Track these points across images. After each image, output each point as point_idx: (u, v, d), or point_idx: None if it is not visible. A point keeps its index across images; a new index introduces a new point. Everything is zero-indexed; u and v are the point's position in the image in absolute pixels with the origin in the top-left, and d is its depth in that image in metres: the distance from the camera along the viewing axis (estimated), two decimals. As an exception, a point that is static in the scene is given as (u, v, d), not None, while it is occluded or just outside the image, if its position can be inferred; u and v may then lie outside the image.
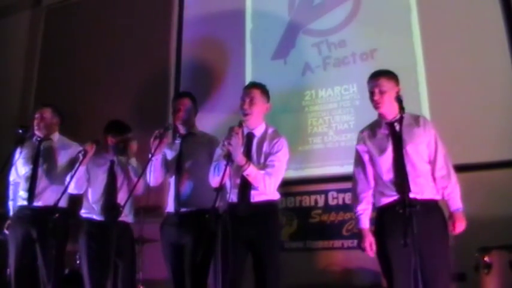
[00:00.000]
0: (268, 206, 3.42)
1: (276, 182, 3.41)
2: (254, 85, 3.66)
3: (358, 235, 3.29)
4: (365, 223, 3.25)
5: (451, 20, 4.85)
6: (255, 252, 3.36)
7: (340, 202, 4.91)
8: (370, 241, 3.18)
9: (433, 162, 3.17)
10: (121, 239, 3.88)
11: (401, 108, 2.98)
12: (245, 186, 3.38)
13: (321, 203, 5.02)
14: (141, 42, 6.43)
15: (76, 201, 4.33)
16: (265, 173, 3.36)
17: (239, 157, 3.25)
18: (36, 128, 4.41)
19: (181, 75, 6.11)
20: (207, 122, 4.88)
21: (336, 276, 4.72)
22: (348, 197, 4.72)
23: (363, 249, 3.22)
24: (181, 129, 3.99)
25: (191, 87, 5.63)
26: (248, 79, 5.56)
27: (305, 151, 5.18)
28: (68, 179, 4.00)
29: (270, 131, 3.59)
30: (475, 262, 3.54)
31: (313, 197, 5.06)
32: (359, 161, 3.36)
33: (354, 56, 5.21)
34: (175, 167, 3.87)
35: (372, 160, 3.29)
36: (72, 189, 4.07)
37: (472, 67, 4.65)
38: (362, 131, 3.40)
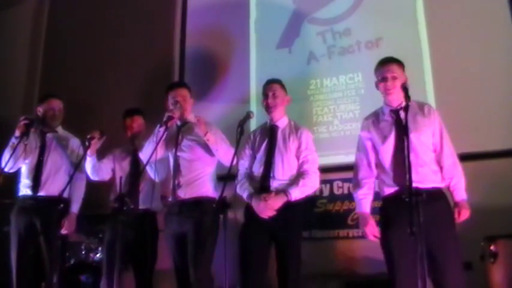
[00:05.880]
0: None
1: (317, 173, 3.63)
2: (273, 80, 3.83)
3: (361, 220, 3.27)
4: (366, 207, 3.25)
5: (457, 7, 4.82)
6: (278, 242, 3.49)
7: (346, 191, 4.89)
8: (372, 225, 3.19)
9: (439, 152, 3.15)
10: (138, 228, 4.02)
11: (407, 97, 2.94)
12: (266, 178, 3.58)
13: (326, 192, 5.00)
14: (145, 32, 6.40)
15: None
16: (305, 172, 3.57)
17: (279, 203, 3.45)
18: (50, 118, 4.38)
19: (186, 65, 6.05)
20: (212, 112, 4.87)
21: (341, 266, 4.72)
22: (353, 187, 4.73)
23: (365, 234, 3.22)
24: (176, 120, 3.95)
25: (195, 77, 5.64)
26: (253, 68, 5.56)
27: (310, 140, 5.15)
28: (74, 170, 4.01)
29: (292, 123, 3.77)
30: (481, 251, 3.54)
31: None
32: (362, 148, 3.35)
33: (359, 44, 5.18)
34: (173, 157, 3.89)
35: (374, 147, 3.28)
36: (92, 177, 4.25)
37: (478, 55, 4.63)
38: (367, 118, 3.39)
